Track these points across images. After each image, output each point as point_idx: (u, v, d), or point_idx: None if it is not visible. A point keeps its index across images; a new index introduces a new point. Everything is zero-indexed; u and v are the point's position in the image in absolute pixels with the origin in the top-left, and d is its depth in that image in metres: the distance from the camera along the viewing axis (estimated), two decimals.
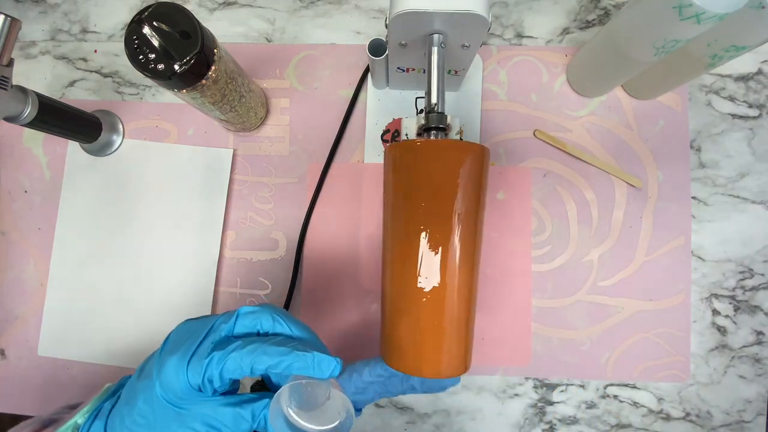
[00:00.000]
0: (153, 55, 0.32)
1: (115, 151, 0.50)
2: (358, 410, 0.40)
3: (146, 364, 0.28)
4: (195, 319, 0.29)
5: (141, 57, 0.32)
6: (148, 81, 0.48)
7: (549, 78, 0.49)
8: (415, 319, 0.34)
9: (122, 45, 0.47)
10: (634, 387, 0.48)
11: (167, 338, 0.28)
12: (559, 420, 0.48)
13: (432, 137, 0.35)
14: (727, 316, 0.48)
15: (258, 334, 0.27)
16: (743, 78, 0.49)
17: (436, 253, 0.33)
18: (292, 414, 0.25)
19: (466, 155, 0.34)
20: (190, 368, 0.25)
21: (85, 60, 0.51)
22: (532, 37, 0.50)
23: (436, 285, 0.33)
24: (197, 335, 0.26)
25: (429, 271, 0.33)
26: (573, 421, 0.48)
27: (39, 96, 0.39)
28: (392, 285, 0.36)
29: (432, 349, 0.33)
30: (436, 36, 0.34)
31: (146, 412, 0.26)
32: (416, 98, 0.47)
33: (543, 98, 0.49)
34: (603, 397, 0.48)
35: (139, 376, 0.27)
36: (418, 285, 0.33)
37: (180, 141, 0.50)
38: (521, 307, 0.48)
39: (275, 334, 0.27)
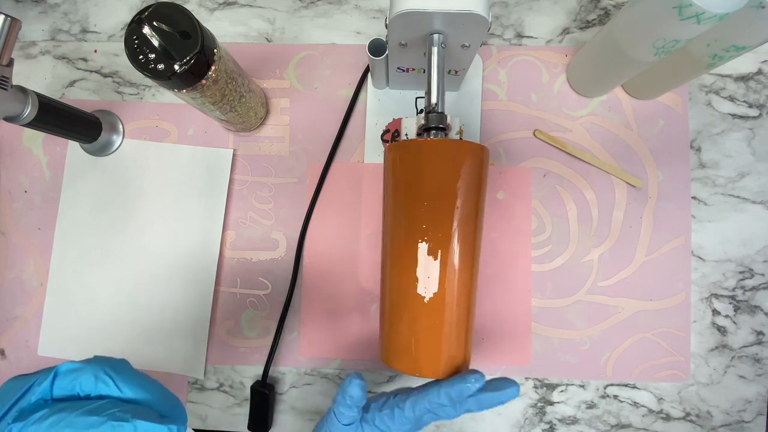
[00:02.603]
0: (153, 55, 0.32)
1: (115, 151, 0.50)
2: None
3: None
4: (20, 376, 0.25)
5: (141, 57, 0.32)
6: (148, 81, 0.48)
7: (549, 78, 0.49)
8: (415, 321, 0.34)
9: (122, 45, 0.47)
10: (634, 387, 0.48)
11: None
12: (559, 420, 0.48)
13: (432, 137, 0.35)
14: (727, 316, 0.48)
15: (81, 397, 0.23)
16: (743, 78, 0.49)
17: (436, 255, 0.33)
18: None
19: (466, 155, 0.34)
20: None
21: (85, 60, 0.51)
22: (532, 37, 0.50)
23: (436, 288, 0.33)
24: (7, 400, 0.22)
25: (428, 273, 0.33)
26: (573, 421, 0.48)
27: (39, 96, 0.39)
28: (391, 287, 0.36)
29: (431, 349, 0.33)
30: (436, 36, 0.34)
31: None
32: (416, 98, 0.47)
33: (543, 98, 0.49)
34: (603, 397, 0.48)
35: None
36: (418, 288, 0.33)
37: (180, 141, 0.50)
38: (521, 307, 0.48)
39: (101, 397, 0.23)
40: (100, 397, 0.23)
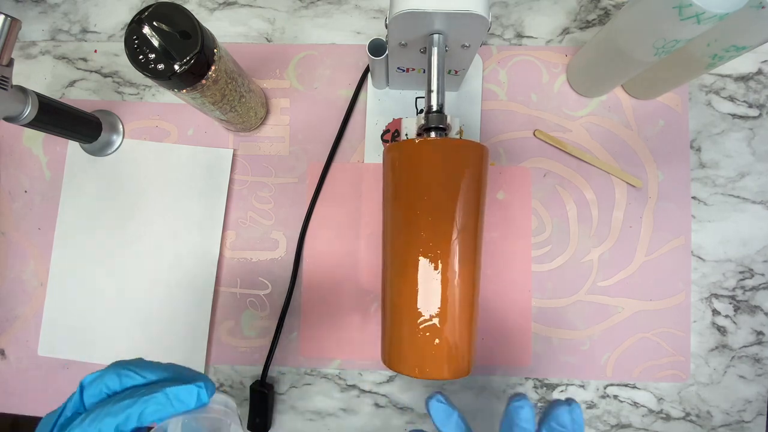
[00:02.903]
0: (153, 55, 0.32)
1: (115, 151, 0.50)
2: None
3: None
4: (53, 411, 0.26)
5: (141, 57, 0.32)
6: (148, 81, 0.48)
7: (549, 78, 0.49)
8: (417, 326, 0.33)
9: (122, 45, 0.47)
10: (634, 387, 0.48)
11: None
12: None
13: (432, 137, 0.35)
14: (727, 316, 0.48)
15: (110, 396, 0.24)
16: (743, 78, 0.49)
17: (437, 256, 0.33)
18: None
19: (466, 155, 0.34)
20: None
21: (85, 60, 0.51)
22: (532, 37, 0.50)
23: (438, 291, 0.33)
24: (47, 426, 0.23)
25: (430, 276, 0.33)
26: None
27: (39, 96, 0.39)
28: (392, 290, 0.35)
29: (434, 354, 0.33)
30: (436, 36, 0.34)
31: None
32: (416, 98, 0.47)
33: (543, 98, 0.49)
34: (603, 397, 0.48)
35: None
36: (419, 292, 0.33)
37: (180, 141, 0.50)
38: (521, 307, 0.48)
39: (126, 389, 0.24)
40: (127, 389, 0.24)
